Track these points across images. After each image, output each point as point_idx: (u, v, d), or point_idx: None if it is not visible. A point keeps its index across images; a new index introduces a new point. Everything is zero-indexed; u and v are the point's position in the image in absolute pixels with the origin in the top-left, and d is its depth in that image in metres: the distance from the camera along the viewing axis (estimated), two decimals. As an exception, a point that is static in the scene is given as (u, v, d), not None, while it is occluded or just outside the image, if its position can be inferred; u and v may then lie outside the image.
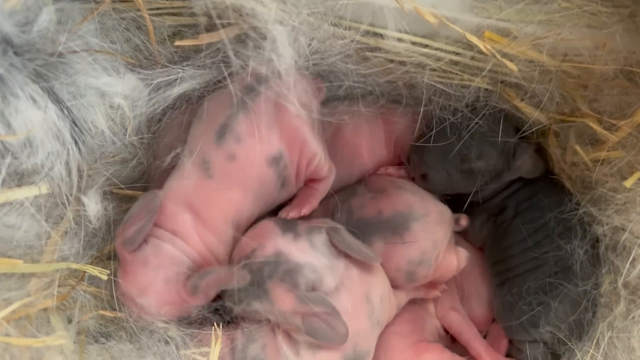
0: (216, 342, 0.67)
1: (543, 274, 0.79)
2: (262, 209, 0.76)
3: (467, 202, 0.85)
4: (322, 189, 0.79)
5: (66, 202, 0.68)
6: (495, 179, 0.85)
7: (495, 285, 0.87)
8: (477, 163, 0.82)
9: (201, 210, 0.72)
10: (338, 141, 0.85)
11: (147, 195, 0.71)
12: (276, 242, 0.70)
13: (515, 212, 0.85)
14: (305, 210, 0.76)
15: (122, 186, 0.75)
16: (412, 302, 0.85)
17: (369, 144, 0.87)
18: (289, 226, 0.72)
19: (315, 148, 0.74)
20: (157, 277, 0.69)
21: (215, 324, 0.68)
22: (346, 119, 0.84)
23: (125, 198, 0.79)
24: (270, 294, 0.67)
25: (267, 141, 0.71)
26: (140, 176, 0.80)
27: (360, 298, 0.71)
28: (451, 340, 0.88)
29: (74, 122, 0.65)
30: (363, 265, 0.73)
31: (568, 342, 0.76)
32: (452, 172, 0.82)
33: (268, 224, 0.73)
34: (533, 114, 0.80)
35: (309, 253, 0.69)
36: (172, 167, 0.75)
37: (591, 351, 0.72)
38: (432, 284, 0.85)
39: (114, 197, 0.77)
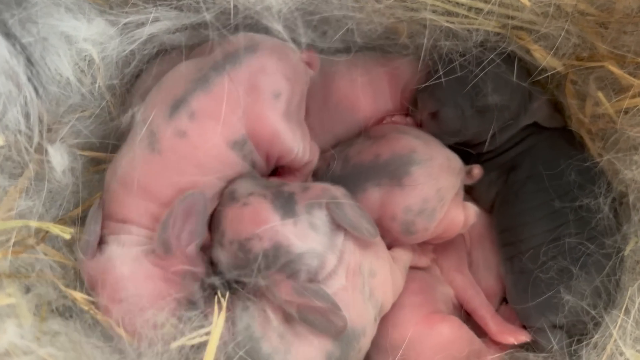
0: (219, 314, 0.58)
1: (563, 237, 0.70)
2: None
3: (482, 150, 0.76)
4: (306, 172, 0.73)
5: (25, 154, 0.60)
6: (511, 122, 0.76)
7: (504, 259, 0.78)
8: (492, 97, 0.73)
9: (152, 188, 0.64)
10: (333, 95, 0.77)
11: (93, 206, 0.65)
12: (275, 232, 0.62)
13: (530, 172, 0.76)
14: None
15: (94, 139, 0.67)
16: (420, 270, 0.77)
17: (370, 96, 0.79)
18: (287, 207, 0.63)
19: (290, 144, 0.67)
20: (128, 270, 0.62)
21: (219, 293, 0.60)
22: (341, 69, 0.76)
23: (95, 159, 0.72)
24: (268, 280, 0.62)
25: (228, 124, 0.64)
26: (110, 133, 0.72)
27: (354, 271, 0.65)
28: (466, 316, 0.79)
29: (29, 61, 0.58)
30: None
31: (592, 311, 0.67)
32: (466, 109, 0.73)
33: (264, 206, 0.64)
34: (547, 59, 0.72)
35: (310, 238, 0.63)
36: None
37: (621, 317, 0.63)
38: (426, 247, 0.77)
39: (82, 158, 0.69)
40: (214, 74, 0.63)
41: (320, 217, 0.63)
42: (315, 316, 0.61)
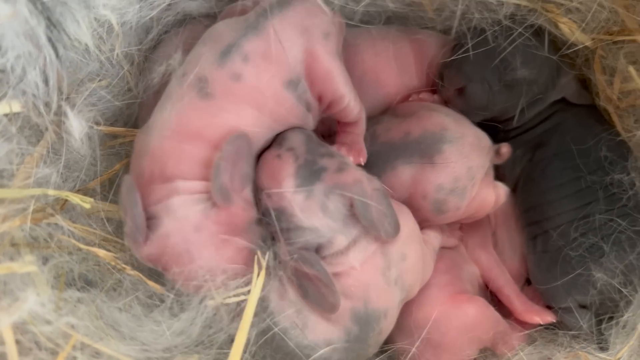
0: (259, 274, 0.57)
1: (592, 214, 0.69)
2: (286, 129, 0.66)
3: (504, 130, 0.75)
4: (359, 131, 0.70)
5: (44, 120, 0.58)
6: (539, 97, 0.74)
7: (527, 239, 0.77)
8: (521, 71, 0.71)
9: (206, 133, 0.61)
10: (356, 68, 0.75)
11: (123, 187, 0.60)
12: (282, 196, 0.62)
13: (557, 149, 0.74)
14: (362, 159, 0.68)
15: (111, 109, 0.65)
16: (448, 249, 0.76)
17: (395, 71, 0.77)
18: (308, 180, 0.62)
19: (342, 86, 0.65)
20: (192, 244, 0.59)
21: (258, 252, 0.59)
22: (366, 41, 0.74)
23: (113, 134, 0.70)
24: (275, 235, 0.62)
25: (282, 64, 0.62)
26: (128, 107, 0.70)
27: (375, 253, 0.63)
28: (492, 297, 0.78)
29: (49, 21, 0.56)
30: None
31: (623, 290, 0.66)
32: (494, 84, 0.72)
33: (288, 168, 0.63)
34: (576, 33, 0.70)
35: (316, 217, 0.61)
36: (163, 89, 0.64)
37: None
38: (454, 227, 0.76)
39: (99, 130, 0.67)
40: (262, 20, 0.62)
41: (337, 204, 0.62)
42: (309, 284, 0.60)
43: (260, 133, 0.64)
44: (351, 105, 0.67)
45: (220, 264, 0.60)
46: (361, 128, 0.70)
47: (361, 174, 0.63)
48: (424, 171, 0.69)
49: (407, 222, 0.66)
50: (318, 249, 0.61)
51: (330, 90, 0.65)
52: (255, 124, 0.62)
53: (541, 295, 0.75)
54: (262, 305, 0.61)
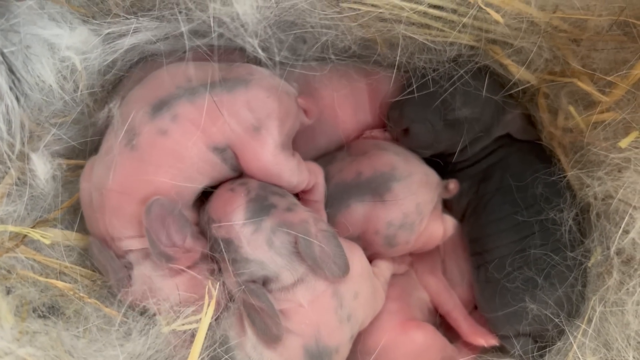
0: (209, 304, 0.61)
1: (528, 248, 0.72)
2: (212, 183, 0.69)
3: (452, 162, 0.78)
4: (317, 197, 0.73)
5: (8, 160, 0.62)
6: (483, 133, 0.78)
7: (472, 268, 0.80)
8: (462, 111, 0.75)
9: (132, 189, 0.65)
10: (315, 105, 0.78)
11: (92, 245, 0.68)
12: (230, 229, 0.65)
13: (499, 184, 0.78)
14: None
15: (72, 142, 0.69)
16: (397, 275, 0.80)
17: (351, 108, 0.80)
18: (257, 215, 0.65)
19: (280, 181, 0.69)
20: (153, 277, 0.67)
21: (209, 283, 0.63)
22: (324, 80, 0.77)
23: (77, 165, 0.73)
24: (222, 265, 0.66)
25: (209, 134, 0.65)
26: (92, 142, 0.73)
27: (325, 292, 0.66)
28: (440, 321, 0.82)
29: (10, 71, 0.60)
30: None
31: (555, 319, 0.70)
32: (436, 123, 0.75)
33: (238, 201, 0.66)
34: (520, 73, 0.74)
35: (261, 250, 0.64)
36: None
37: (582, 327, 0.65)
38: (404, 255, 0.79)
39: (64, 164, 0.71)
40: (202, 90, 0.65)
41: (283, 240, 0.65)
42: (255, 315, 0.63)
43: (187, 187, 0.66)
44: (294, 184, 0.69)
45: (176, 292, 0.65)
46: (318, 194, 0.73)
47: (309, 216, 0.67)
48: (375, 209, 0.73)
49: (359, 260, 0.70)
50: (265, 282, 0.65)
51: (266, 179, 0.68)
52: (179, 179, 0.65)
53: (486, 321, 0.79)
54: (219, 339, 0.65)
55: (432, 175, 0.76)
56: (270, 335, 0.63)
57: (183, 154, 0.65)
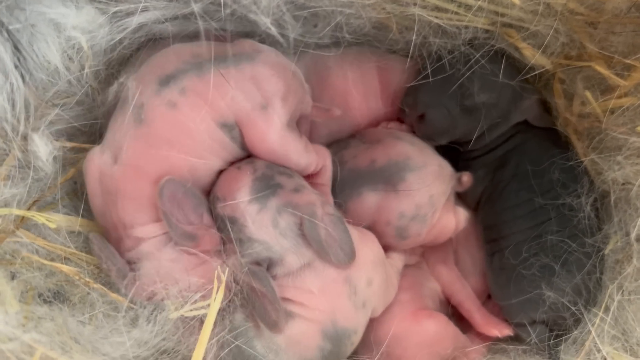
0: (218, 290, 0.59)
1: (544, 234, 0.71)
2: (224, 164, 0.67)
3: (467, 150, 0.77)
4: (324, 181, 0.71)
5: (12, 140, 0.60)
6: (501, 119, 0.76)
7: (486, 256, 0.79)
8: (479, 97, 0.73)
9: (142, 166, 0.63)
10: (326, 92, 0.77)
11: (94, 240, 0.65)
12: (235, 207, 0.64)
13: (515, 171, 0.76)
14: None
15: (75, 124, 0.67)
16: (409, 266, 0.78)
17: (362, 95, 0.78)
18: (263, 194, 0.64)
19: (287, 162, 0.67)
20: (168, 268, 0.64)
21: (219, 268, 0.61)
22: (334, 65, 0.76)
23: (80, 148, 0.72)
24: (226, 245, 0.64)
25: (217, 108, 0.63)
26: (95, 124, 0.71)
27: (335, 280, 0.64)
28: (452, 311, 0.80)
29: (16, 48, 0.58)
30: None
31: (572, 307, 0.68)
32: (452, 108, 0.73)
33: (244, 179, 0.65)
34: (535, 57, 0.72)
35: (266, 231, 0.63)
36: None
37: (600, 315, 0.64)
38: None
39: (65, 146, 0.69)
40: (208, 65, 0.63)
41: (288, 221, 0.63)
42: (256, 298, 0.62)
43: (198, 163, 0.64)
44: (302, 166, 0.68)
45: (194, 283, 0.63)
46: (326, 177, 0.71)
47: (316, 198, 0.65)
48: (387, 199, 0.71)
49: (373, 247, 0.69)
50: (270, 266, 0.63)
51: (273, 160, 0.66)
52: (190, 154, 0.63)
53: (500, 309, 0.78)
54: (228, 325, 0.63)
55: (446, 167, 0.75)
56: (270, 321, 0.61)
57: (192, 130, 0.63)
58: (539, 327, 0.72)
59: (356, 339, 0.67)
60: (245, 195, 0.63)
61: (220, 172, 0.67)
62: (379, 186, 0.71)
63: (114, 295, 0.63)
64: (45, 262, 0.60)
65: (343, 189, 0.72)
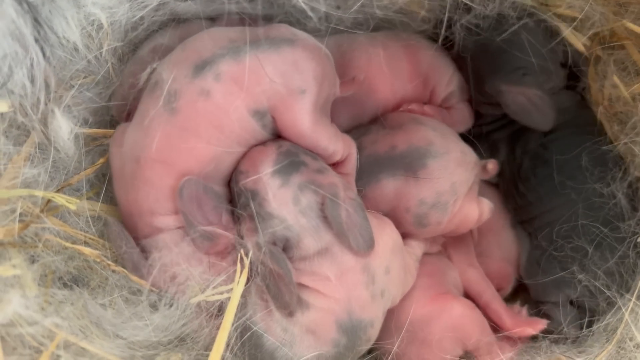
0: (241, 274, 0.58)
1: (576, 218, 0.70)
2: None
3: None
4: (348, 170, 0.70)
5: (34, 118, 0.58)
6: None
7: (521, 236, 0.78)
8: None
9: (169, 158, 0.62)
10: (349, 73, 0.75)
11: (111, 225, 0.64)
12: (258, 180, 0.62)
13: (542, 144, 0.75)
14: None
15: (100, 103, 0.66)
16: (430, 255, 0.76)
17: (388, 78, 0.76)
18: (286, 170, 0.62)
19: (316, 147, 0.65)
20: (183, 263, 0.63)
21: (242, 252, 0.60)
22: (360, 47, 0.74)
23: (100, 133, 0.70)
24: (243, 217, 0.63)
25: (252, 94, 0.62)
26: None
27: (353, 267, 0.62)
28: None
29: (36, 21, 0.56)
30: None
31: (607, 291, 0.66)
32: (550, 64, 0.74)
33: (269, 154, 0.64)
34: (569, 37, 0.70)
35: (286, 207, 0.61)
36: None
37: (632, 301, 0.62)
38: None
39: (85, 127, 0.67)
40: (243, 47, 0.61)
41: (310, 200, 0.62)
42: (271, 280, 0.60)
43: (224, 154, 0.63)
44: (329, 152, 0.66)
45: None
46: (350, 166, 0.69)
47: (339, 181, 0.64)
48: (407, 185, 0.69)
49: (391, 234, 0.67)
50: (285, 248, 0.61)
51: (303, 144, 0.65)
52: (218, 144, 0.62)
53: (532, 291, 0.76)
54: (248, 323, 0.62)
55: (470, 155, 0.73)
56: (283, 303, 0.60)
57: (223, 122, 0.61)
58: (570, 308, 0.70)
59: (372, 333, 0.65)
60: (269, 168, 0.62)
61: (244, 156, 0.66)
62: (399, 172, 0.70)
63: (135, 279, 0.62)
64: (68, 244, 0.58)
65: (361, 176, 0.70)
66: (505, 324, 0.73)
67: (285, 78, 0.62)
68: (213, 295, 0.61)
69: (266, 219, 0.61)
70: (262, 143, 0.66)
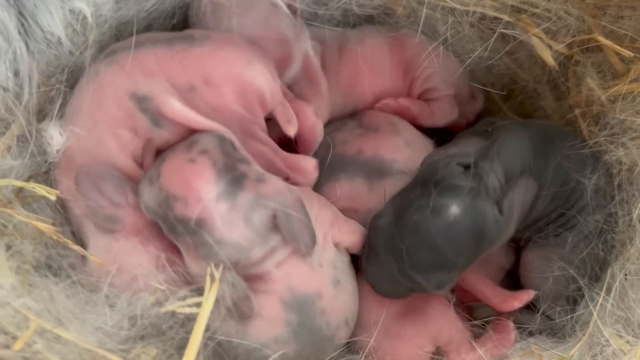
0: (211, 287, 0.55)
1: (550, 213, 0.70)
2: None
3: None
4: (307, 146, 0.71)
5: (13, 111, 0.59)
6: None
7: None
8: None
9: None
10: (331, 68, 0.76)
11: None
12: (202, 207, 0.58)
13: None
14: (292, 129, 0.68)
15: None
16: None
17: (369, 71, 0.77)
18: (229, 190, 0.59)
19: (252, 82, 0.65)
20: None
21: (212, 265, 0.57)
22: (349, 42, 0.75)
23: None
24: (180, 244, 0.62)
25: (133, 76, 0.63)
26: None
27: (290, 256, 0.63)
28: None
29: (21, 14, 0.57)
30: None
31: (581, 281, 0.67)
32: None
33: (207, 173, 0.59)
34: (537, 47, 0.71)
35: (238, 230, 0.58)
36: None
37: (602, 295, 0.63)
38: None
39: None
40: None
41: (262, 217, 0.59)
42: (226, 294, 0.59)
43: (112, 151, 0.64)
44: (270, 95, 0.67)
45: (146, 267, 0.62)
46: (310, 139, 0.71)
47: (282, 184, 0.62)
48: (361, 192, 0.71)
49: (331, 207, 0.68)
50: (234, 264, 0.60)
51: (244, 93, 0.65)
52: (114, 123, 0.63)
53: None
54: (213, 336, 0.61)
55: None
56: (240, 314, 0.60)
57: (107, 95, 0.63)
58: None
59: (323, 304, 0.63)
60: (211, 191, 0.58)
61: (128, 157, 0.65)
62: (358, 178, 0.71)
63: (93, 258, 0.61)
64: (33, 222, 0.58)
65: (325, 171, 0.72)
66: (493, 301, 0.73)
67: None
68: (183, 306, 0.57)
69: (217, 245, 0.58)
70: (170, 147, 0.64)
